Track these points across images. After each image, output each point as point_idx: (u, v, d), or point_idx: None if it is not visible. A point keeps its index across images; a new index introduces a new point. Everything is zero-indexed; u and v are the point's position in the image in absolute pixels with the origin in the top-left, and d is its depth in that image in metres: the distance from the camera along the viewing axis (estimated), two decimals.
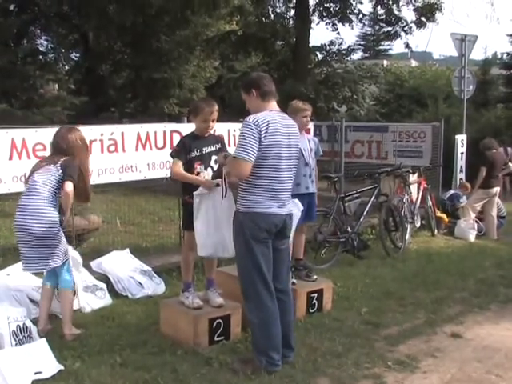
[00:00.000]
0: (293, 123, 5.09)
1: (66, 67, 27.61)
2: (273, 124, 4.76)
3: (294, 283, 6.34)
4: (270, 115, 4.82)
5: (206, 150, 5.64)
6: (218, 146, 5.78)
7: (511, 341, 5.93)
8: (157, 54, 24.26)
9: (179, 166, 5.69)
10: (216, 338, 5.44)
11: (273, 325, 4.91)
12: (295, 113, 6.63)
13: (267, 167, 4.78)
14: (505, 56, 24.51)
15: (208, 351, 5.25)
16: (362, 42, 51.50)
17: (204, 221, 5.44)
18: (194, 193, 5.44)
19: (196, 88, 26.50)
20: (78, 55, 27.98)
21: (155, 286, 7.09)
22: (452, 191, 12.20)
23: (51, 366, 4.75)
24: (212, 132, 5.98)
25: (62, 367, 4.78)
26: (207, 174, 5.59)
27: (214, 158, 5.65)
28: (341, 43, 22.11)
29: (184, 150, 5.68)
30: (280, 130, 4.81)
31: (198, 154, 5.62)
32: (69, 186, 5.41)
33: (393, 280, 7.86)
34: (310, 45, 21.04)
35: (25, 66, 21.49)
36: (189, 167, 5.63)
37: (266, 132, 4.70)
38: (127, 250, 7.57)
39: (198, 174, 5.59)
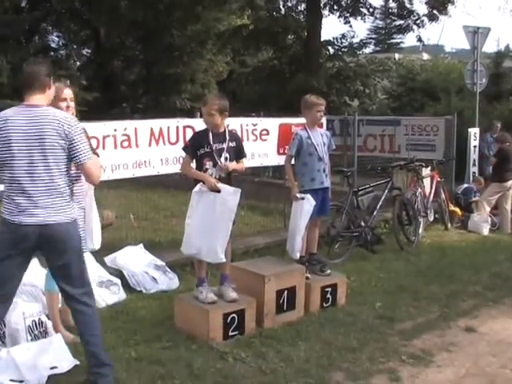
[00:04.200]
0: (46, 116, 4.22)
1: (78, 63, 27.70)
2: (10, 120, 4.17)
3: (307, 278, 6.36)
4: (13, 110, 4.28)
5: (217, 146, 5.60)
6: (233, 144, 5.73)
7: None
8: (169, 49, 24.27)
9: (187, 162, 5.75)
10: (230, 333, 5.46)
11: None
12: (310, 107, 6.62)
13: (4, 168, 4.20)
14: None
15: (222, 346, 5.27)
16: (374, 36, 51.27)
17: (198, 220, 5.47)
18: (193, 191, 5.47)
19: (208, 83, 26.50)
20: (89, 51, 28.09)
21: (169, 281, 7.10)
22: (465, 185, 12.17)
23: (67, 360, 4.76)
24: (228, 128, 5.97)
25: (78, 362, 4.79)
26: (215, 172, 5.58)
27: (224, 155, 5.64)
28: (352, 37, 22.05)
29: (193, 146, 5.70)
30: (17, 127, 4.14)
31: (207, 150, 5.59)
32: None
33: (406, 274, 7.85)
34: (322, 39, 20.98)
35: None
36: (199, 163, 5.64)
37: (1, 130, 4.19)
38: (141, 245, 7.59)
39: (206, 170, 5.59)
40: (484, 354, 5.42)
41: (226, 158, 5.62)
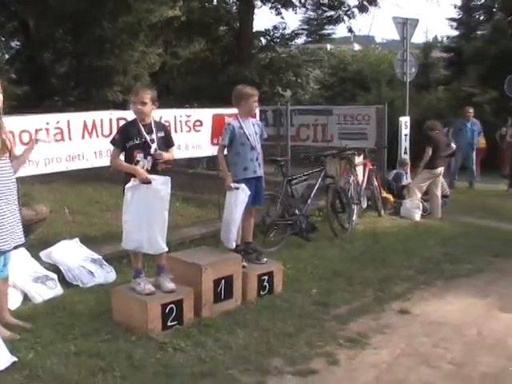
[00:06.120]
0: None
1: (6, 56, 27.02)
2: None
3: (244, 266, 6.41)
4: None
5: (147, 137, 5.61)
6: (161, 134, 5.76)
7: (456, 315, 6.12)
8: (99, 41, 23.89)
9: (116, 155, 5.74)
10: (169, 323, 5.47)
11: None
12: (247, 98, 6.63)
13: None
14: (445, 39, 24.96)
15: (162, 336, 5.28)
16: (306, 27, 51.46)
17: (134, 215, 5.50)
18: (126, 186, 5.49)
19: (140, 74, 26.20)
20: (18, 43, 27.38)
21: (106, 274, 7.05)
22: (395, 171, 12.44)
23: (4, 358, 4.69)
24: (157, 119, 5.98)
25: (16, 359, 4.73)
26: (147, 163, 5.60)
27: (154, 146, 5.64)
28: (284, 28, 22.19)
29: (122, 138, 5.68)
30: None
31: (137, 142, 5.59)
32: None
33: (341, 260, 7.98)
34: (254, 30, 21.04)
35: None
36: (129, 155, 5.63)
37: None
38: (76, 239, 7.50)
39: (137, 162, 5.59)
40: (417, 335, 5.59)
41: (155, 149, 5.63)
